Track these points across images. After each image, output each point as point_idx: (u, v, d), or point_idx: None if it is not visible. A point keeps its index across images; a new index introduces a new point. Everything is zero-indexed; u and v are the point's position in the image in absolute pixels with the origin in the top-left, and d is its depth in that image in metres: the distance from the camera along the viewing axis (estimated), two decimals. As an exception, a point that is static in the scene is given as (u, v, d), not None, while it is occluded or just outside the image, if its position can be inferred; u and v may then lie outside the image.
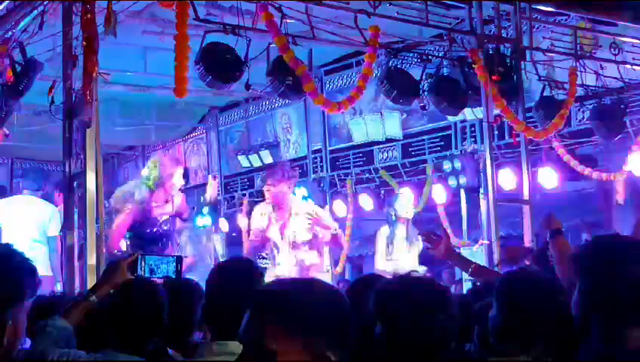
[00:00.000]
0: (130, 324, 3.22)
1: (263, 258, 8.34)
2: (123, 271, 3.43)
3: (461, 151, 9.80)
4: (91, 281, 5.10)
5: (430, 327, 2.61)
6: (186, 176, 8.15)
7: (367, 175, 11.04)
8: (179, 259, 3.70)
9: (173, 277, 3.65)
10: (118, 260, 3.53)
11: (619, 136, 8.58)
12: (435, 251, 4.27)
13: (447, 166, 9.70)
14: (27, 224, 7.65)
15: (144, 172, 7.58)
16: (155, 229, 7.42)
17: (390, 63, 7.52)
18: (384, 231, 8.94)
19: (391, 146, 10.62)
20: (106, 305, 3.32)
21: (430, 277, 2.86)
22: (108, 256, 6.07)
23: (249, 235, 8.08)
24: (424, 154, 10.29)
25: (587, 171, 9.18)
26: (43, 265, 7.44)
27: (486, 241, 7.73)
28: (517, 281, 3.00)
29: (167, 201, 7.48)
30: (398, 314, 2.63)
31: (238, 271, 3.23)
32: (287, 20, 6.64)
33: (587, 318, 2.62)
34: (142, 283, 3.43)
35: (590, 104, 8.64)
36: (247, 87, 6.66)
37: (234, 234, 12.42)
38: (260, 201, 8.49)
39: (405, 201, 9.02)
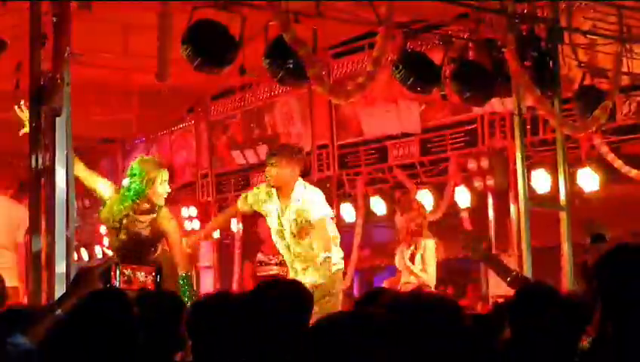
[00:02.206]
0: (98, 343, 3.20)
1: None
2: (94, 280, 3.43)
3: (488, 149, 9.79)
4: (60, 293, 5.10)
5: (441, 351, 2.61)
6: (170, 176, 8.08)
7: (380, 174, 11.05)
8: (159, 269, 3.72)
9: (152, 288, 3.66)
10: (88, 268, 3.53)
11: (671, 133, 8.59)
12: (475, 251, 4.28)
13: (472, 165, 9.71)
14: (-5, 228, 7.70)
15: (124, 182, 7.33)
16: None
17: (407, 46, 7.52)
18: None
19: (408, 142, 10.62)
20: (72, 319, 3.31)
21: (442, 295, 2.91)
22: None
23: None
24: (446, 151, 10.30)
25: (634, 173, 9.17)
26: (12, 275, 7.49)
27: (516, 252, 7.72)
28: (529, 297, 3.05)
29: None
30: (407, 334, 2.63)
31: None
32: (289, -6, 6.64)
33: None
34: (112, 294, 3.42)
35: (638, 95, 8.62)
36: (242, 71, 6.66)
37: (226, 242, 12.45)
38: None
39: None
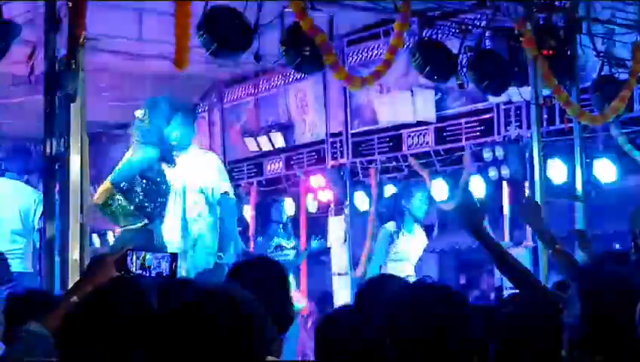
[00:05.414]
0: (114, 331, 3.17)
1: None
2: (109, 267, 3.42)
3: (504, 138, 9.75)
4: (74, 279, 5.11)
5: (445, 342, 2.62)
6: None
7: (395, 163, 11.02)
8: (174, 256, 3.71)
9: (168, 275, 3.64)
10: (103, 255, 3.52)
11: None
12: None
13: (487, 154, 9.66)
14: (8, 213, 7.70)
15: None
16: None
17: (424, 34, 7.50)
18: (390, 226, 8.99)
19: (423, 130, 10.58)
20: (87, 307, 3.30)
21: (446, 285, 2.88)
22: None
23: None
24: (461, 140, 10.25)
25: (652, 164, 9.12)
26: (24, 261, 7.51)
27: (531, 243, 7.70)
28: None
29: None
30: (408, 329, 2.64)
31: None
32: (305, -19, 6.64)
33: None
34: (127, 281, 3.40)
35: (657, 85, 8.57)
36: (258, 58, 6.66)
37: (239, 229, 12.43)
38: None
39: (418, 203, 9.06)
